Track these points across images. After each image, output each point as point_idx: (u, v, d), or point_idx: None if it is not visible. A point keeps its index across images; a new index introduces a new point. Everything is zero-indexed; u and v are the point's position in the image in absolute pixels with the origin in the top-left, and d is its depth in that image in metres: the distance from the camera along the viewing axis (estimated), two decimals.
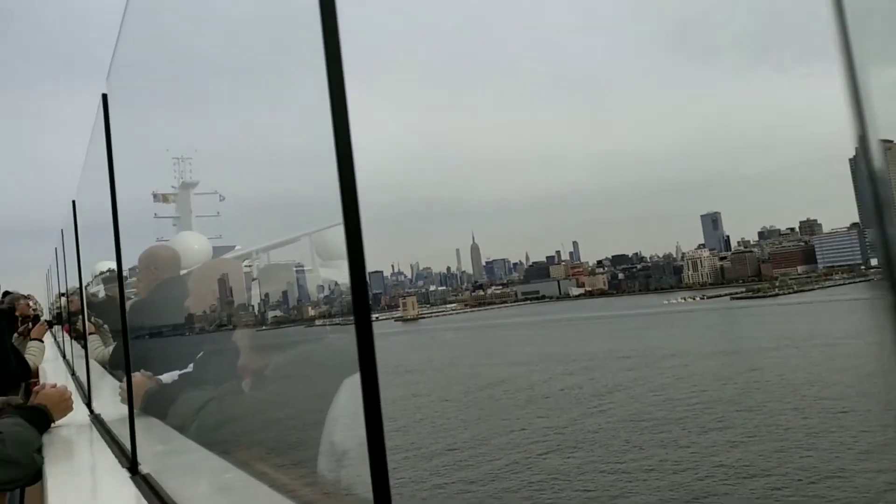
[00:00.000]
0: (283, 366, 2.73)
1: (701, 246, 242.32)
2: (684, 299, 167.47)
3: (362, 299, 1.08)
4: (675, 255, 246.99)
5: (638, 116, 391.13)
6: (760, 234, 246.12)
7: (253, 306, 3.18)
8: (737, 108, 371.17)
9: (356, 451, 1.67)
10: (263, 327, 2.94)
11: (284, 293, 3.19)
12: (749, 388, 46.65)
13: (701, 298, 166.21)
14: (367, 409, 1.05)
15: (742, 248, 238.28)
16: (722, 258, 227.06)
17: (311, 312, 2.98)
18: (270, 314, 3.05)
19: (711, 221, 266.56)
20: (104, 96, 2.99)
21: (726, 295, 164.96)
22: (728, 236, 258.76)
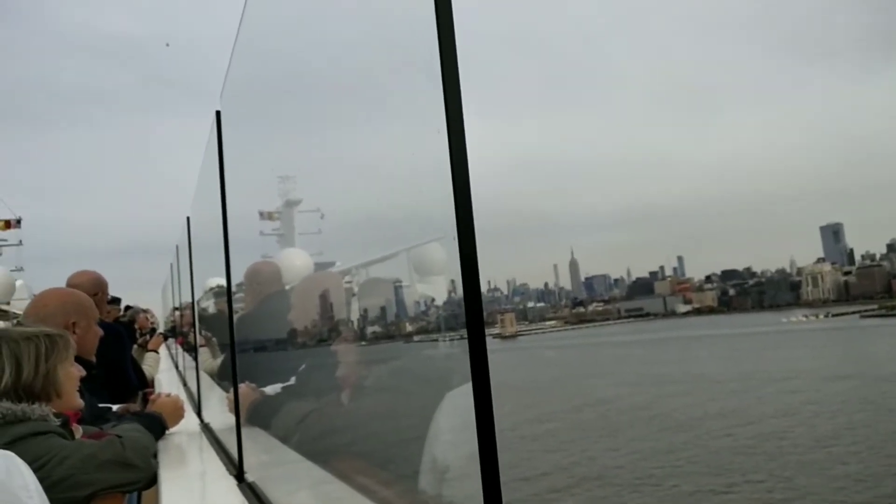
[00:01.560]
0: (383, 378, 2.74)
1: (821, 259, 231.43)
2: (805, 317, 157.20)
3: (476, 311, 1.09)
4: (789, 270, 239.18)
5: (748, 124, 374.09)
6: (890, 246, 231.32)
7: (352, 321, 3.23)
8: (858, 112, 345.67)
9: (460, 467, 1.77)
10: (363, 342, 2.96)
11: (382, 308, 3.21)
12: (879, 416, 41.20)
13: (825, 316, 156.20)
14: (480, 425, 1.04)
15: (869, 261, 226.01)
16: (846, 273, 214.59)
17: (409, 328, 2.97)
18: (369, 329, 3.08)
19: (832, 233, 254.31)
20: (218, 113, 3.07)
21: (854, 312, 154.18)
22: (852, 249, 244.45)
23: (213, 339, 5.54)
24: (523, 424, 48.60)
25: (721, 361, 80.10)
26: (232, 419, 2.99)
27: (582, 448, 40.34)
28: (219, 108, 3.09)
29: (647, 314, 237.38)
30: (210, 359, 5.30)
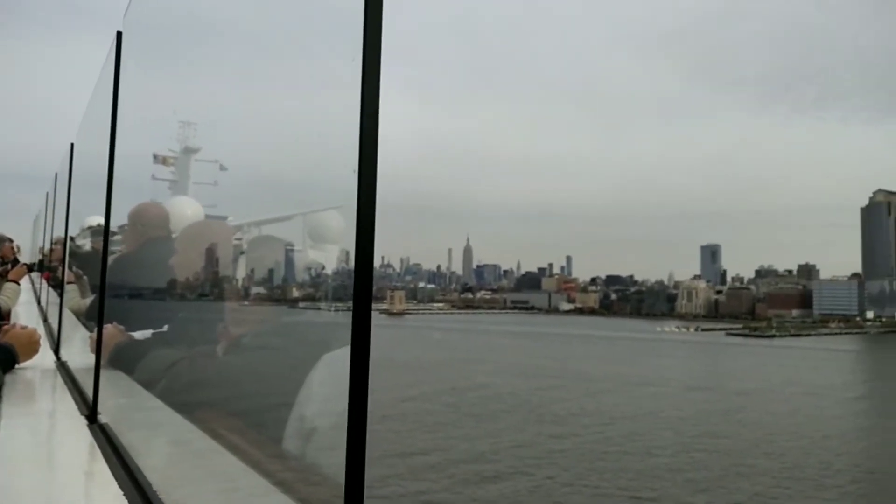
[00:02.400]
0: (260, 339, 2.68)
1: (697, 276, 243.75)
2: (678, 328, 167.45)
3: (366, 282, 1.09)
4: (666, 283, 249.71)
5: (653, 140, 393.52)
6: (758, 272, 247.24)
7: (237, 279, 3.13)
8: (750, 143, 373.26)
9: (328, 430, 1.82)
10: (245, 302, 2.88)
11: (271, 270, 3.11)
12: (715, 431, 46.15)
13: (695, 330, 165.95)
14: (353, 393, 1.03)
15: (738, 284, 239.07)
16: (718, 291, 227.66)
17: (296, 293, 2.93)
18: (254, 289, 3.00)
19: (711, 253, 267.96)
20: (118, 34, 2.82)
21: (721, 329, 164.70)
22: (725, 270, 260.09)
23: (85, 278, 5.27)
24: (404, 402, 49.94)
25: (599, 361, 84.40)
26: (92, 360, 2.86)
27: (457, 431, 41.82)
28: (120, 29, 2.83)
29: (532, 308, 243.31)
30: (78, 297, 5.05)
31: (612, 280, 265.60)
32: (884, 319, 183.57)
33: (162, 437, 2.45)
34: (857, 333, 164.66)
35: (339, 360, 1.14)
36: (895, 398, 63.65)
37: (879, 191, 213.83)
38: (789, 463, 37.40)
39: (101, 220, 3.35)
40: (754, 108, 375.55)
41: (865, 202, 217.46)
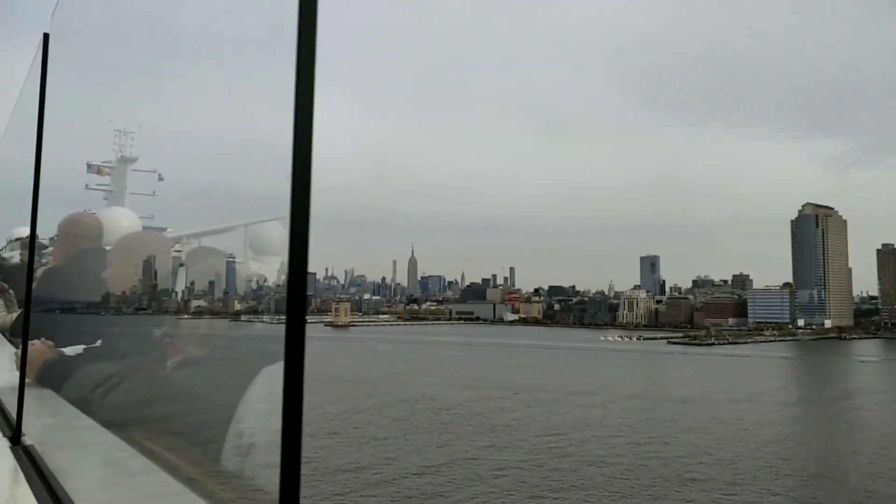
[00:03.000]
0: (199, 354, 2.63)
1: (637, 287, 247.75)
2: (621, 338, 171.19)
3: (299, 294, 1.09)
4: (606, 293, 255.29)
5: (592, 154, 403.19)
6: (695, 282, 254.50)
7: (177, 292, 3.03)
8: (685, 159, 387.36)
9: (265, 445, 1.75)
10: (185, 316, 2.83)
11: (211, 283, 3.08)
12: (663, 438, 46.86)
13: (637, 339, 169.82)
14: (287, 406, 1.02)
15: (676, 293, 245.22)
16: (658, 301, 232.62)
17: (237, 306, 2.93)
18: (194, 303, 2.96)
19: (650, 264, 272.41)
20: (45, 36, 2.66)
21: (662, 338, 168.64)
22: (664, 280, 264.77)
23: (11, 291, 5.05)
24: (351, 415, 49.79)
25: (545, 372, 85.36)
26: (17, 377, 2.73)
27: (406, 445, 41.63)
28: (47, 31, 2.67)
29: (478, 318, 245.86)
30: (4, 312, 4.82)
31: (554, 290, 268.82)
32: (814, 327, 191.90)
33: (92, 458, 2.36)
34: (790, 340, 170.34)
35: (278, 373, 1.16)
36: (829, 402, 66.29)
37: (808, 204, 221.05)
38: (740, 469, 38.35)
39: (28, 231, 3.20)
40: (688, 125, 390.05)
41: (795, 215, 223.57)
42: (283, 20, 0.98)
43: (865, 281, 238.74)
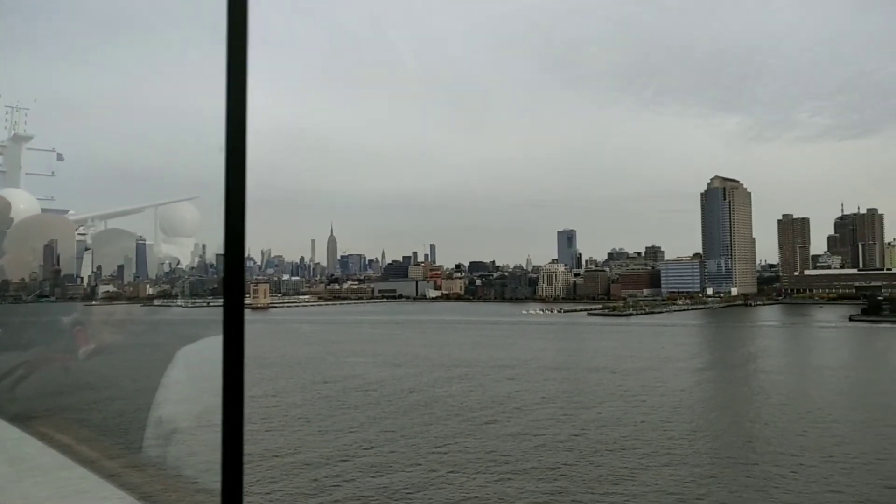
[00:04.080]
0: (111, 339, 2.58)
1: (555, 261, 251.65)
2: (542, 311, 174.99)
3: (237, 275, 1.07)
4: (524, 267, 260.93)
5: (510, 131, 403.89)
6: (610, 255, 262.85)
7: (83, 277, 4.59)
8: (598, 135, 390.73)
9: (187, 427, 1.87)
10: (93, 302, 3.86)
11: (121, 267, 5.66)
12: (601, 406, 48.25)
13: (559, 311, 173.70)
14: (227, 388, 0.97)
15: (593, 266, 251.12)
16: (576, 275, 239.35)
17: (150, 290, 5.97)
18: (102, 288, 5.52)
19: (567, 238, 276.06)
20: None
21: (582, 310, 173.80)
22: (580, 254, 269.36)
23: None
24: (278, 397, 48.76)
25: (473, 347, 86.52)
26: None
27: (339, 424, 40.76)
28: None
29: (401, 296, 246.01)
30: None
31: (475, 266, 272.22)
32: (722, 295, 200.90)
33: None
34: (701, 308, 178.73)
35: (195, 356, 1.11)
36: (739, 366, 70.07)
37: (716, 177, 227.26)
38: (668, 433, 39.82)
39: None
40: (601, 103, 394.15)
41: (703, 188, 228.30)
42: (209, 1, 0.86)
43: (767, 250, 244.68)
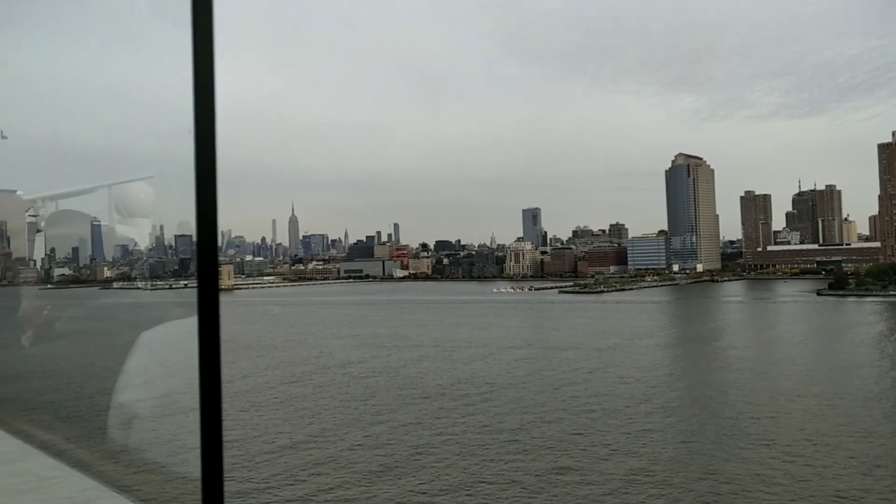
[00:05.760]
0: (70, 324, 2.88)
1: (520, 239, 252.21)
2: (513, 289, 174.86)
3: (210, 256, 1.04)
4: (489, 245, 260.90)
5: (469, 108, 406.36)
6: (574, 232, 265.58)
7: (35, 260, 3.22)
8: (557, 113, 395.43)
9: (146, 414, 3.37)
10: (48, 286, 2.69)
11: (75, 249, 4.39)
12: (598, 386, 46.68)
13: (529, 290, 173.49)
14: (204, 372, 0.93)
15: (559, 244, 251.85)
16: (543, 253, 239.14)
17: (108, 273, 4.55)
18: (57, 272, 4.24)
19: (532, 216, 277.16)
20: None
21: (553, 287, 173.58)
22: (545, 232, 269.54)
23: None
24: (271, 387, 45.82)
25: (455, 327, 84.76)
26: None
27: (339, 416, 38.11)
28: None
29: (367, 276, 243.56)
30: None
31: (441, 245, 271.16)
32: (688, 271, 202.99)
33: None
34: (670, 285, 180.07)
35: (156, 339, 1.55)
36: (709, 341, 70.01)
37: (680, 154, 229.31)
38: (674, 400, 40.94)
39: None
40: (558, 81, 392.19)
41: (661, 166, 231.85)
42: None
43: (728, 227, 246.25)
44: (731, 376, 50.72)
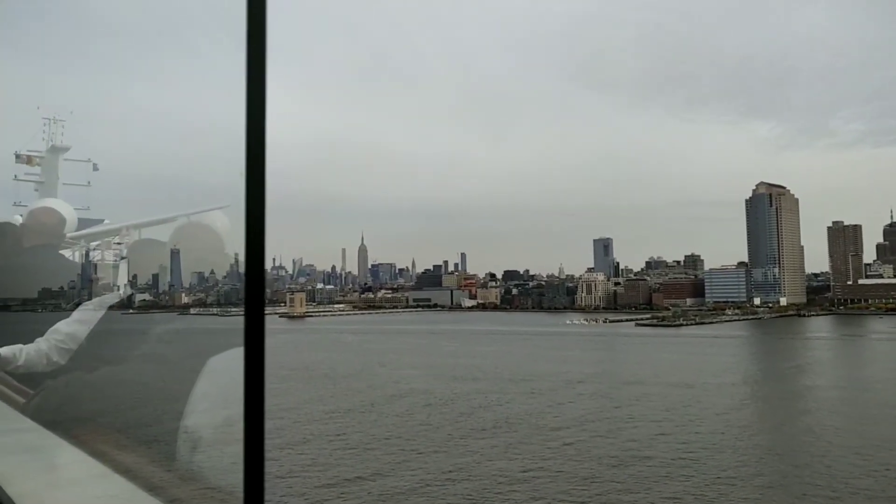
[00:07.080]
0: (146, 349, 2.43)
1: (591, 269, 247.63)
2: (586, 321, 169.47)
3: (257, 283, 1.04)
4: (558, 276, 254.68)
5: (539, 138, 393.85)
6: (648, 263, 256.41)
7: (119, 286, 2.66)
8: (629, 142, 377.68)
9: (212, 437, 1.81)
10: (130, 311, 2.78)
11: (156, 276, 3.42)
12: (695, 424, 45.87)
13: (604, 322, 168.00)
14: (249, 395, 0.94)
15: (632, 275, 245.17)
16: (616, 283, 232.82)
17: (185, 299, 5.47)
18: (139, 297, 3.29)
19: (603, 246, 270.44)
20: None
21: (628, 320, 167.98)
22: (618, 262, 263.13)
23: None
24: (343, 415, 46.04)
25: (533, 360, 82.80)
26: None
27: (425, 451, 37.84)
28: None
29: (435, 305, 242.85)
30: None
31: (509, 275, 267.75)
32: (770, 305, 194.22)
33: (35, 463, 2.09)
34: (753, 319, 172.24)
35: (224, 363, 1.08)
36: (812, 376, 69.16)
37: (762, 183, 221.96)
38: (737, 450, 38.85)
39: None
40: (630, 109, 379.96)
41: (740, 196, 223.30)
42: (229, 5, 0.88)
43: (814, 259, 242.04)
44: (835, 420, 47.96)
